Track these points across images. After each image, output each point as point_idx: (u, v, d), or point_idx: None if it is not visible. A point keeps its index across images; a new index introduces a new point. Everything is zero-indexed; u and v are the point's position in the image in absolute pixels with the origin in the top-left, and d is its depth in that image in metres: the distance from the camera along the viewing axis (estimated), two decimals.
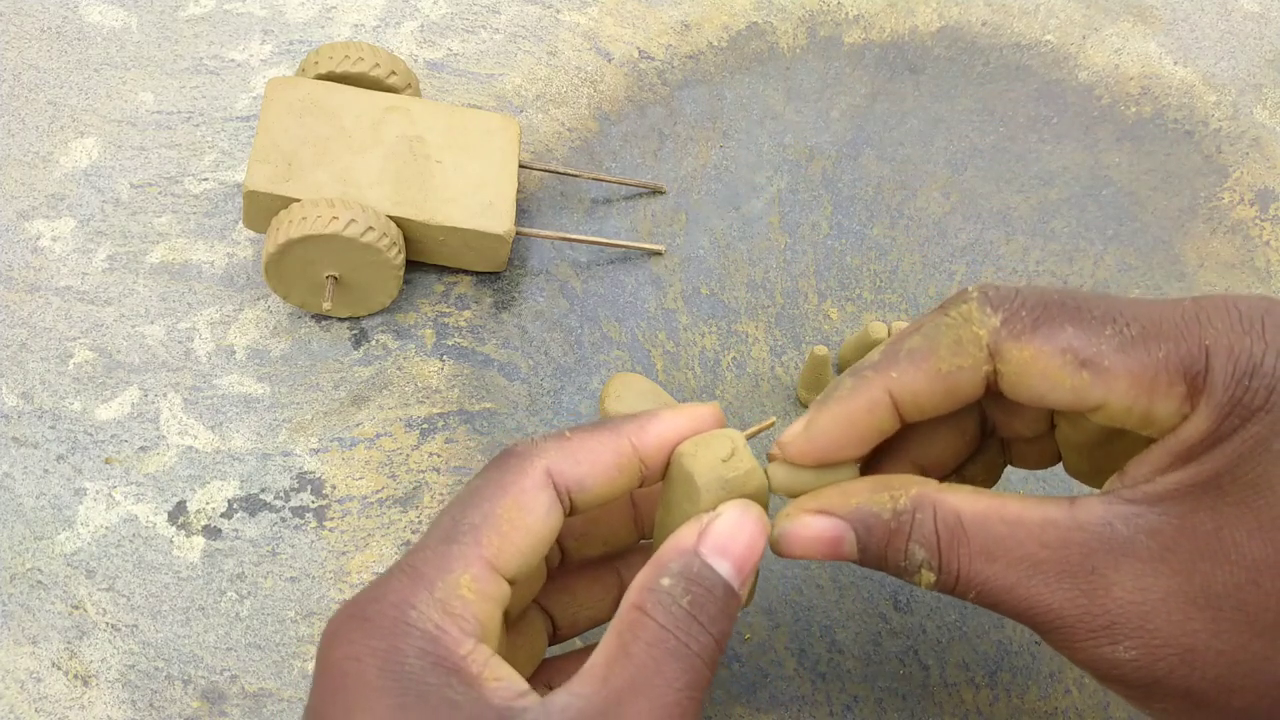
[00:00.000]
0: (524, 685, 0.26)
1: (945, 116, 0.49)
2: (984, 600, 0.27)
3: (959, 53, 0.51)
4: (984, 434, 0.32)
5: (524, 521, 0.27)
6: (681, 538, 0.27)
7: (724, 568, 0.27)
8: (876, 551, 0.28)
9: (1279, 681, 0.26)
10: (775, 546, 0.29)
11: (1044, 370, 0.27)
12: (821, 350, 0.40)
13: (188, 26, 0.50)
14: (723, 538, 0.27)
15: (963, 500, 0.28)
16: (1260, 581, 0.25)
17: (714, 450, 0.29)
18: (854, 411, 0.29)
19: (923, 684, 0.37)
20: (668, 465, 0.30)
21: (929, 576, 0.28)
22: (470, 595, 0.26)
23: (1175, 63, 0.52)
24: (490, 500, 0.28)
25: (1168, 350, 0.26)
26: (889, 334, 0.40)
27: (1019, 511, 0.27)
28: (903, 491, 0.28)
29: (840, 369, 0.43)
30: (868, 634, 0.38)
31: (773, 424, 0.31)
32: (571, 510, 0.29)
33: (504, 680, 0.26)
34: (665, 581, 0.27)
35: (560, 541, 0.32)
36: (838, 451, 0.29)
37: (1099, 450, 0.31)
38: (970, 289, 0.28)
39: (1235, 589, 0.25)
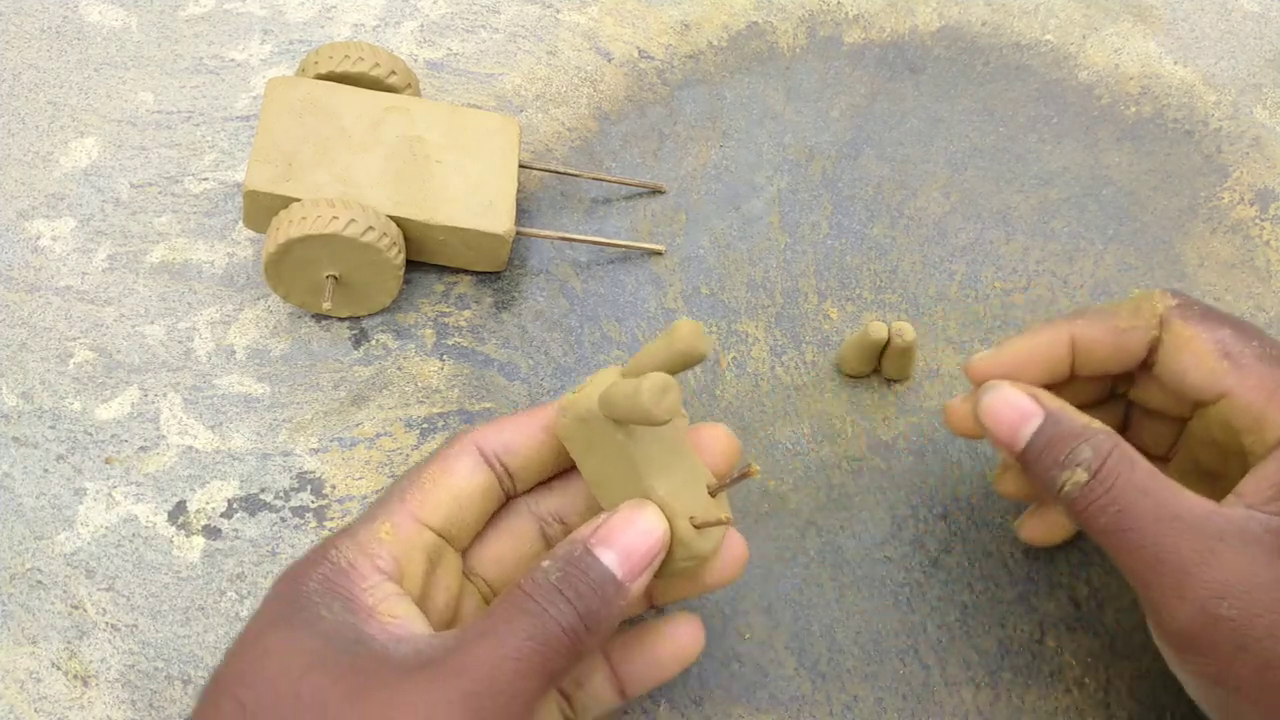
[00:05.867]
0: (422, 627, 0.28)
1: (945, 116, 0.49)
2: (1119, 523, 0.30)
3: (959, 53, 0.51)
4: None
5: (445, 480, 0.31)
6: (577, 532, 0.30)
7: (608, 556, 0.29)
8: (1047, 442, 0.32)
9: None
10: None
11: (1196, 350, 0.33)
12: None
13: (188, 26, 0.50)
14: (610, 529, 0.29)
15: (1139, 455, 0.32)
16: None
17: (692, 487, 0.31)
18: (1039, 343, 0.34)
19: (923, 684, 0.37)
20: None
21: (1082, 475, 0.31)
22: (387, 538, 0.30)
23: (1175, 62, 0.52)
24: (419, 469, 0.32)
25: None
26: (889, 334, 0.40)
27: (1178, 487, 0.31)
28: (1097, 422, 0.32)
29: (839, 369, 0.43)
30: (868, 634, 0.38)
31: (755, 472, 0.30)
32: (512, 477, 0.32)
33: (400, 618, 0.28)
34: (546, 563, 0.29)
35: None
36: (1016, 374, 0.34)
37: (1208, 478, 0.35)
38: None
39: None
